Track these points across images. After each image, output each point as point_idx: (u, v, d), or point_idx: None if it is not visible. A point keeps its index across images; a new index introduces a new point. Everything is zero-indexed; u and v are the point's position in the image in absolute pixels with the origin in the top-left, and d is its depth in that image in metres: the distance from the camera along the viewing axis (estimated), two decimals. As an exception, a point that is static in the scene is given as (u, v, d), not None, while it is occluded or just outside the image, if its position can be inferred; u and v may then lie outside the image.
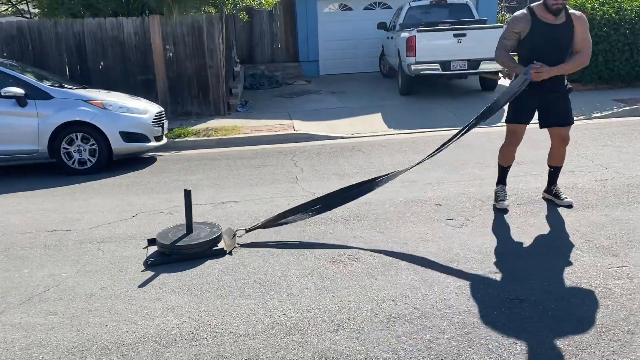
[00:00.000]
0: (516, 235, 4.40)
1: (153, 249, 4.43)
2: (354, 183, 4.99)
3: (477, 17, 12.90)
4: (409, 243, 4.35)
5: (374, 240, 4.46)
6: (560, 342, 2.94)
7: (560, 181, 5.56)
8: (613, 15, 11.08)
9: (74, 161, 7.42)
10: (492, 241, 4.28)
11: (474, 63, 11.14)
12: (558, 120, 4.75)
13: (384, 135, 9.21)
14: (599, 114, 9.28)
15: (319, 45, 16.46)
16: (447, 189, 5.69)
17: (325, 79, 15.76)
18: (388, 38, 14.09)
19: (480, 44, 10.93)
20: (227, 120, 10.48)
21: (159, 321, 3.39)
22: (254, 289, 3.75)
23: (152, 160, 8.16)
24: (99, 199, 6.12)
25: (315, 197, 5.01)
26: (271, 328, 3.25)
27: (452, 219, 4.80)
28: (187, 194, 4.37)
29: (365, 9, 16.55)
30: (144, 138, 7.76)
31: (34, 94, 7.36)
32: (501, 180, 5.11)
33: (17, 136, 7.29)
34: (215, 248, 4.33)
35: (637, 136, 7.60)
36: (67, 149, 7.38)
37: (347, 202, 4.82)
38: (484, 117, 4.62)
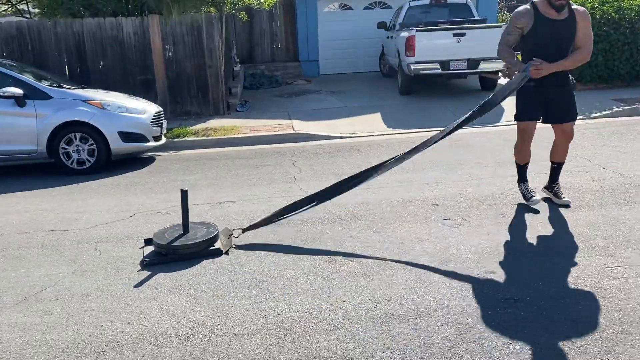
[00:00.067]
0: (512, 234, 4.40)
1: (150, 248, 4.43)
2: (352, 175, 4.90)
3: (476, 17, 12.90)
4: (405, 243, 4.35)
5: (370, 240, 4.46)
6: (555, 342, 2.94)
7: (560, 181, 5.57)
8: (613, 14, 11.07)
9: (73, 161, 7.44)
10: (488, 241, 4.28)
11: (473, 63, 11.14)
12: (561, 115, 4.74)
13: (383, 135, 9.21)
14: (598, 114, 9.27)
15: (319, 45, 16.46)
16: (444, 188, 5.69)
17: (325, 79, 15.76)
18: (388, 38, 14.09)
19: (480, 44, 10.94)
20: (227, 120, 10.49)
21: (154, 321, 3.39)
22: (250, 288, 3.75)
23: (151, 160, 8.17)
24: (97, 199, 6.13)
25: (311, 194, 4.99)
26: (266, 328, 3.25)
27: (448, 219, 4.80)
28: (184, 194, 4.37)
29: (365, 8, 16.55)
30: (142, 138, 7.77)
31: (33, 94, 7.37)
32: (522, 179, 5.11)
33: (15, 136, 7.30)
34: (211, 248, 4.33)
35: (636, 136, 7.60)
36: (65, 149, 7.40)
37: (345, 192, 4.76)
38: (482, 112, 4.58)
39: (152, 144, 7.95)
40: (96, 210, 5.64)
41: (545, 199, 5.11)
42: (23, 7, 13.48)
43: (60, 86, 7.91)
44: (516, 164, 5.12)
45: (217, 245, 4.40)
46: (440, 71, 11.29)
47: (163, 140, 8.45)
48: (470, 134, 8.50)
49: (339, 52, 16.52)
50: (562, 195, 5.00)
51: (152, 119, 7.98)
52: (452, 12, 13.10)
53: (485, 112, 4.63)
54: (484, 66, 11.17)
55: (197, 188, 6.32)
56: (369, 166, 4.91)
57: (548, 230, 4.48)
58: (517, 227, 4.55)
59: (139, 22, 10.75)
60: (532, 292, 3.47)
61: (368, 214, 5.05)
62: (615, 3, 11.20)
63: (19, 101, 7.25)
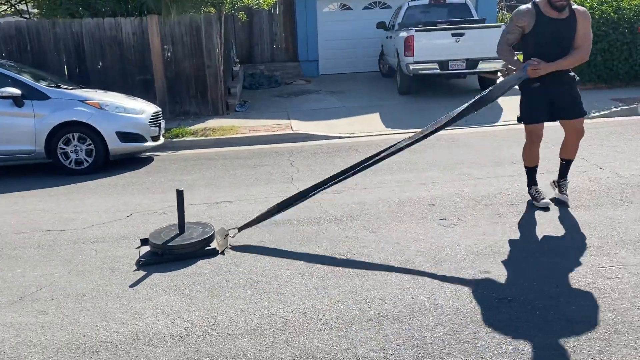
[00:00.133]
0: (508, 234, 4.40)
1: (146, 249, 4.44)
2: (345, 168, 4.87)
3: (475, 17, 12.89)
4: (400, 242, 4.35)
5: (366, 239, 4.47)
6: (548, 342, 2.94)
7: (567, 177, 5.56)
8: (612, 14, 11.07)
9: (71, 161, 7.45)
10: (483, 241, 4.28)
11: (472, 62, 11.14)
12: (569, 112, 4.74)
13: (382, 135, 9.22)
14: (597, 114, 9.27)
15: (319, 45, 16.46)
16: (441, 188, 5.69)
17: (324, 79, 15.77)
18: (387, 38, 14.10)
19: (479, 44, 10.95)
20: (225, 120, 10.50)
21: (149, 321, 3.40)
22: (245, 288, 3.76)
23: (149, 160, 8.18)
24: (95, 199, 6.14)
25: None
26: (260, 327, 3.26)
27: (444, 219, 4.81)
28: (179, 194, 4.38)
29: (365, 8, 16.55)
30: (140, 138, 7.78)
31: (31, 94, 7.38)
32: (531, 182, 5.08)
33: (14, 136, 7.32)
34: (207, 248, 4.34)
35: (634, 136, 7.60)
36: (63, 149, 7.41)
37: (339, 182, 4.71)
38: (476, 107, 4.57)
39: (150, 144, 7.96)
40: (93, 210, 5.65)
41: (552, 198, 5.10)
42: (22, 7, 13.48)
43: (58, 86, 7.92)
44: (525, 167, 5.08)
45: (213, 245, 4.41)
46: (438, 71, 11.29)
47: (161, 140, 8.46)
48: (469, 134, 8.51)
49: (339, 52, 16.52)
50: (564, 192, 4.99)
51: (150, 119, 7.99)
52: (451, 12, 13.10)
53: (480, 108, 4.60)
54: (482, 66, 11.18)
55: (194, 188, 6.33)
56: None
57: (544, 230, 4.48)
58: (513, 227, 4.55)
59: (137, 23, 10.76)
60: (527, 292, 3.47)
61: (364, 214, 5.05)
62: (614, 3, 11.21)
63: (17, 101, 7.26)
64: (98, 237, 4.86)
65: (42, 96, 7.43)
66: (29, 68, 8.87)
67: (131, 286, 3.89)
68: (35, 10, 13.07)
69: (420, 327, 3.15)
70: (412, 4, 13.37)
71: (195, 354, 3.03)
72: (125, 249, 4.58)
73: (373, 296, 3.54)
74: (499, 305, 3.34)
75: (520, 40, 4.75)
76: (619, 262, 3.80)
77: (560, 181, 5.06)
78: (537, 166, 5.05)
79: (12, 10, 13.63)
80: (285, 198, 4.86)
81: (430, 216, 4.90)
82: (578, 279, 3.60)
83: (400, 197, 5.49)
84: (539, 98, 4.70)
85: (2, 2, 13.42)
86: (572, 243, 4.18)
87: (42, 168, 7.71)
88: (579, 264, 3.81)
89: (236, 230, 4.69)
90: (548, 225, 4.57)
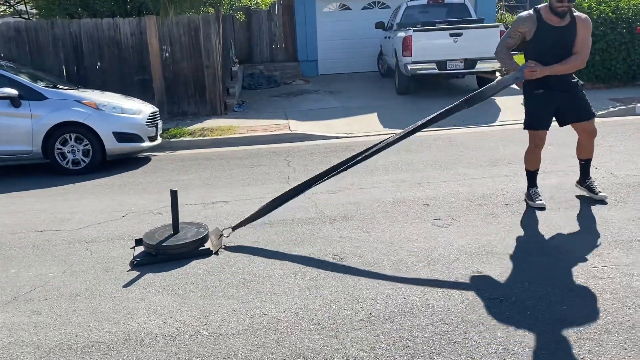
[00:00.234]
0: (501, 234, 4.40)
1: (140, 249, 4.45)
2: (338, 162, 4.87)
3: (474, 17, 12.90)
4: (394, 243, 4.36)
5: (359, 240, 4.47)
6: (538, 342, 2.95)
7: (551, 181, 5.60)
8: (610, 14, 11.07)
9: (68, 161, 7.46)
10: (476, 241, 4.29)
11: (470, 62, 11.15)
12: (578, 115, 4.77)
13: (380, 134, 9.19)
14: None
15: (318, 45, 16.47)
16: (436, 188, 5.70)
17: (324, 79, 15.77)
18: (386, 38, 14.10)
19: (477, 44, 10.96)
20: (224, 120, 10.52)
21: (141, 321, 3.41)
22: (238, 288, 3.76)
23: (146, 160, 8.19)
24: (91, 199, 6.15)
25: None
26: (252, 327, 3.27)
27: (438, 219, 4.81)
28: (173, 194, 4.39)
29: (364, 8, 16.57)
30: (137, 138, 7.80)
31: (28, 94, 7.40)
32: (531, 184, 5.08)
33: (11, 137, 7.34)
34: (201, 248, 4.34)
35: (631, 136, 7.60)
36: (60, 149, 7.43)
37: (332, 177, 4.73)
38: (469, 104, 4.62)
39: (147, 144, 7.98)
40: (89, 211, 5.66)
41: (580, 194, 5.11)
42: (21, 7, 13.50)
43: (55, 87, 7.94)
44: (526, 170, 5.10)
45: (207, 245, 4.42)
46: (437, 71, 11.30)
47: (159, 140, 8.47)
48: (466, 134, 8.52)
49: (338, 52, 16.53)
50: (597, 190, 4.99)
51: (148, 119, 8.00)
52: (449, 12, 13.11)
53: (473, 104, 4.67)
54: (481, 66, 11.18)
55: (190, 188, 6.34)
56: (361, 166, 4.90)
57: (537, 230, 4.49)
58: (507, 227, 4.56)
59: (136, 23, 10.78)
60: (518, 292, 3.47)
61: (359, 214, 5.06)
62: (612, 3, 11.20)
63: (14, 102, 7.28)
64: (93, 237, 4.87)
65: (39, 96, 7.44)
66: (27, 68, 8.90)
67: (125, 286, 3.90)
68: (34, 11, 13.09)
69: (411, 327, 3.16)
70: (410, 4, 13.38)
71: (187, 354, 3.03)
72: (119, 249, 4.59)
73: (365, 296, 3.54)
74: (490, 305, 3.34)
75: (522, 45, 4.79)
76: (611, 262, 3.80)
77: (586, 181, 5.08)
78: (538, 170, 5.07)
79: (11, 10, 13.66)
80: (279, 195, 4.86)
81: (425, 216, 4.91)
82: (570, 279, 3.61)
83: (395, 197, 5.50)
84: (543, 105, 4.75)
85: (1, 2, 13.45)
86: (565, 243, 4.19)
87: (41, 168, 7.72)
88: (572, 264, 3.82)
89: (230, 230, 4.71)
90: (542, 225, 4.57)
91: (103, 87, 9.72)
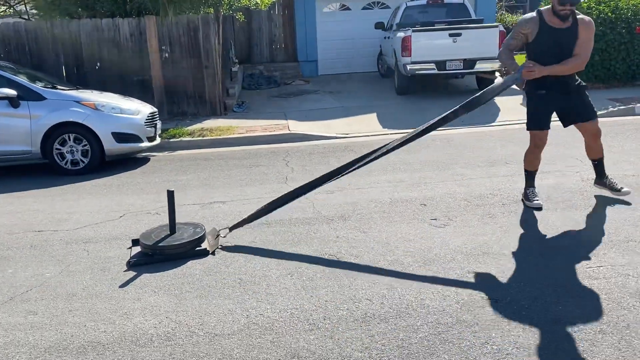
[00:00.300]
0: (498, 235, 4.40)
1: (137, 249, 4.46)
2: (339, 167, 4.87)
3: (474, 17, 12.90)
4: (390, 243, 4.36)
5: (356, 240, 4.48)
6: (532, 342, 2.95)
7: (549, 181, 5.60)
8: (609, 14, 11.06)
9: (67, 162, 7.48)
10: (472, 241, 4.29)
11: (469, 63, 11.15)
12: (581, 116, 4.79)
13: (379, 135, 9.23)
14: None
15: (318, 45, 16.48)
16: (433, 188, 5.70)
17: (323, 79, 15.78)
18: (385, 38, 14.11)
19: (476, 44, 10.95)
20: (223, 121, 10.53)
21: (137, 321, 3.41)
22: (233, 289, 3.77)
23: (145, 160, 8.20)
24: (89, 200, 6.16)
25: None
26: (247, 328, 3.27)
27: (435, 219, 4.82)
28: (170, 194, 4.40)
29: (364, 8, 16.57)
30: (136, 139, 7.81)
31: (27, 95, 7.41)
32: (529, 184, 5.09)
33: (10, 137, 7.35)
34: (198, 248, 4.35)
35: (629, 136, 7.60)
36: (59, 149, 7.44)
37: (330, 181, 4.73)
38: (467, 109, 4.62)
39: (146, 144, 7.99)
40: (87, 211, 5.67)
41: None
42: (21, 8, 13.52)
43: (54, 87, 7.95)
44: (525, 170, 5.10)
45: (204, 245, 4.42)
46: (436, 71, 11.30)
47: (157, 140, 8.48)
48: (464, 134, 8.52)
49: (338, 52, 16.54)
50: (619, 187, 4.98)
51: (146, 119, 8.01)
52: (449, 12, 13.12)
53: (472, 109, 4.66)
54: (480, 66, 11.17)
55: (188, 188, 6.35)
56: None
57: (533, 230, 4.49)
58: (503, 227, 4.56)
59: (135, 23, 10.79)
60: (513, 292, 3.48)
61: (356, 214, 5.06)
62: (611, 3, 11.19)
63: (13, 102, 7.29)
64: (90, 238, 4.88)
65: (38, 97, 7.46)
66: (26, 69, 8.91)
67: (121, 286, 3.90)
68: (34, 11, 13.11)
69: (406, 327, 3.16)
70: (410, 4, 13.38)
71: (182, 354, 3.04)
72: (116, 249, 4.60)
73: (361, 296, 3.55)
74: (485, 305, 3.34)
75: (525, 47, 4.81)
76: (607, 262, 3.80)
77: (603, 180, 5.07)
78: (537, 170, 5.07)
79: (12, 11, 13.68)
80: (276, 197, 4.87)
81: (422, 216, 4.91)
82: (565, 279, 3.61)
83: (392, 197, 5.50)
84: (545, 106, 4.78)
85: (1, 2, 13.46)
86: (561, 243, 4.19)
87: (41, 168, 7.74)
88: (567, 264, 3.82)
89: (227, 231, 4.71)
90: (538, 225, 4.57)
91: (103, 87, 9.73)
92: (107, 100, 7.88)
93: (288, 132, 9.55)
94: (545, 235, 4.37)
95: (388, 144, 4.66)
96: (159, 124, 8.57)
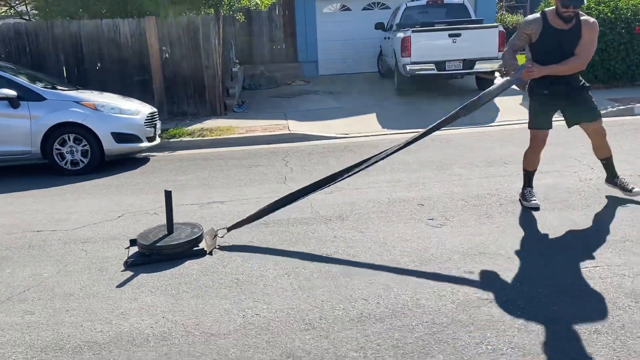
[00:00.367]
0: (494, 235, 4.41)
1: (135, 249, 4.46)
2: (339, 170, 4.90)
3: (473, 17, 12.90)
4: (387, 243, 4.37)
5: (353, 240, 4.49)
6: (527, 342, 2.95)
7: (546, 181, 5.60)
8: (609, 14, 11.06)
9: (67, 162, 7.50)
10: (469, 241, 4.30)
11: (469, 63, 11.15)
12: (584, 116, 4.81)
13: (378, 135, 9.25)
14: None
15: (318, 46, 16.51)
16: (431, 188, 5.71)
17: (324, 80, 15.79)
18: (385, 38, 14.12)
19: (475, 44, 10.95)
20: (223, 121, 10.54)
21: (133, 321, 3.42)
22: (230, 289, 3.78)
23: (145, 160, 8.22)
24: (88, 200, 6.18)
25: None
26: (243, 328, 3.28)
27: (432, 219, 4.82)
28: (168, 194, 4.41)
29: (364, 9, 16.60)
30: (135, 139, 7.82)
31: (27, 95, 7.43)
32: (527, 184, 5.09)
33: (9, 137, 7.38)
34: (195, 248, 4.36)
35: (628, 136, 7.60)
36: (59, 149, 7.46)
37: (330, 185, 4.76)
38: (466, 111, 4.64)
39: (145, 144, 8.00)
40: (86, 211, 5.68)
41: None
42: (22, 8, 13.56)
43: (54, 87, 7.98)
44: (524, 170, 5.10)
45: (202, 245, 4.43)
46: (435, 72, 11.31)
47: (157, 140, 8.50)
48: (463, 134, 8.52)
49: (338, 52, 16.56)
50: (630, 187, 4.98)
51: (146, 119, 8.03)
52: (449, 12, 13.13)
53: (472, 111, 4.68)
54: (479, 66, 11.18)
55: (187, 188, 6.36)
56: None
57: (530, 230, 4.49)
58: (500, 227, 4.56)
59: (135, 24, 10.81)
60: (509, 292, 3.48)
61: (354, 214, 5.07)
62: (611, 3, 11.19)
63: (13, 103, 7.31)
64: (88, 238, 4.90)
65: (37, 97, 7.48)
66: (26, 69, 8.94)
67: (118, 286, 3.91)
68: (35, 12, 13.14)
69: (401, 327, 3.17)
70: (410, 4, 13.39)
71: (177, 353, 3.05)
72: (114, 249, 4.61)
73: (357, 296, 3.55)
74: (480, 305, 3.35)
75: (530, 49, 4.83)
76: (603, 262, 3.81)
77: (614, 180, 5.08)
78: (535, 170, 5.08)
79: (12, 11, 13.71)
80: (275, 200, 4.88)
81: (419, 216, 4.91)
82: (561, 279, 3.61)
83: (390, 197, 5.51)
84: (547, 105, 4.80)
85: (2, 3, 13.49)
86: (558, 244, 4.20)
87: (41, 168, 7.76)
88: (564, 264, 3.82)
89: (225, 231, 4.72)
90: (535, 225, 4.58)
91: (103, 87, 9.75)
92: (107, 101, 7.90)
93: (288, 132, 9.56)
94: (542, 236, 4.37)
95: (389, 148, 4.68)
96: (158, 124, 8.58)
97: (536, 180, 5.27)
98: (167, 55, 10.98)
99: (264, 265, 4.12)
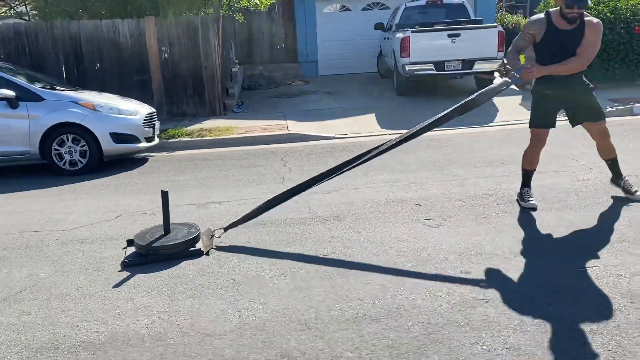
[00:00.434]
0: (491, 235, 4.40)
1: (132, 249, 4.47)
2: (334, 167, 4.85)
3: (473, 17, 12.89)
4: (384, 243, 4.37)
5: (350, 240, 4.48)
6: (522, 342, 2.95)
7: (544, 181, 5.60)
8: (608, 14, 11.05)
9: (65, 162, 7.50)
10: (466, 241, 4.29)
11: (468, 63, 11.14)
12: (587, 116, 4.80)
13: (377, 135, 9.22)
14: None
15: (318, 46, 16.51)
16: (429, 189, 5.71)
17: (323, 80, 15.78)
18: (385, 39, 14.12)
19: (475, 44, 10.94)
20: (222, 121, 10.54)
21: (129, 321, 3.42)
22: (227, 289, 3.77)
23: (143, 160, 8.22)
24: (87, 200, 6.18)
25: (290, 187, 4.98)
26: (239, 328, 3.28)
27: (429, 219, 4.82)
28: (164, 195, 4.41)
29: (364, 9, 16.60)
30: (134, 139, 7.83)
31: (25, 95, 7.44)
32: (525, 184, 5.08)
33: (8, 137, 7.38)
34: (192, 249, 4.36)
35: (627, 136, 7.59)
36: (58, 150, 7.46)
37: (324, 181, 4.73)
38: (461, 111, 4.61)
39: (144, 144, 8.01)
40: (84, 211, 5.69)
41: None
42: (22, 8, 13.56)
43: (52, 88, 7.98)
44: (523, 169, 5.10)
45: (199, 245, 4.43)
46: (434, 72, 11.30)
47: (156, 141, 8.50)
48: (462, 135, 8.52)
49: (338, 53, 16.55)
50: (634, 190, 4.97)
51: (144, 120, 8.03)
52: (448, 12, 13.12)
53: (468, 111, 4.66)
54: (479, 66, 11.16)
55: (185, 188, 6.36)
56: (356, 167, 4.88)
57: (527, 231, 4.49)
58: (497, 227, 4.56)
59: (135, 24, 10.82)
60: (505, 293, 3.47)
61: (351, 214, 5.07)
62: (610, 3, 11.18)
63: (11, 103, 7.32)
64: (86, 238, 4.90)
65: (36, 98, 7.48)
66: (25, 70, 8.95)
67: (114, 287, 3.91)
68: (35, 12, 13.15)
69: (397, 327, 3.17)
70: (409, 4, 13.39)
71: (173, 354, 3.05)
72: (111, 249, 4.61)
73: (353, 296, 3.55)
74: (476, 305, 3.35)
75: (534, 49, 4.84)
76: (600, 262, 3.80)
77: (619, 181, 5.06)
78: (534, 170, 5.07)
79: (12, 12, 13.72)
80: (270, 198, 4.88)
81: (416, 217, 4.91)
82: (557, 280, 3.61)
83: (387, 197, 5.51)
84: (549, 105, 4.79)
85: (1, 4, 13.50)
86: (555, 244, 4.19)
87: (40, 169, 7.76)
88: (560, 264, 3.82)
89: (222, 231, 4.72)
90: (532, 226, 4.57)
91: (102, 88, 9.76)
92: (105, 101, 7.91)
93: (287, 132, 9.56)
94: (539, 236, 4.37)
95: (382, 144, 4.66)
96: (157, 125, 8.59)
97: (534, 181, 5.26)
98: (166, 55, 10.99)
99: (260, 265, 4.12)
